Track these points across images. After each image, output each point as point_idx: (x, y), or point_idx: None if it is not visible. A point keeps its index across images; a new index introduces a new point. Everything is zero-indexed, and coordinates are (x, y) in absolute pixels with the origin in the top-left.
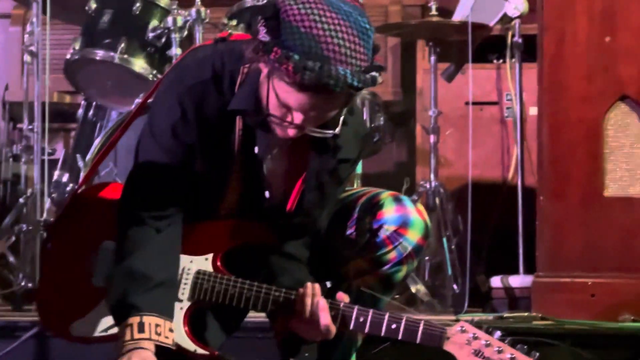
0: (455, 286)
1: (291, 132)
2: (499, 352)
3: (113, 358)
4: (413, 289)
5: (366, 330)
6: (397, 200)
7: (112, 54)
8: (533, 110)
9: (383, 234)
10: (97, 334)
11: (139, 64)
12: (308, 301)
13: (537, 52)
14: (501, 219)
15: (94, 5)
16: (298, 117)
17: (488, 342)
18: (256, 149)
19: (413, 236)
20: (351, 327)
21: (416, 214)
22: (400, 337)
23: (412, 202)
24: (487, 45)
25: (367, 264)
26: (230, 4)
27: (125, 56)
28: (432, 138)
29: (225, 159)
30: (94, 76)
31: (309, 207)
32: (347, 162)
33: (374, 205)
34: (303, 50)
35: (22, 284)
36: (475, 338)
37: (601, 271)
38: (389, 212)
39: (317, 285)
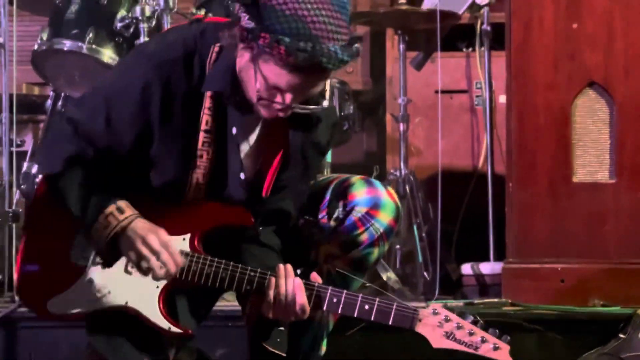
0: (425, 274)
1: (281, 112)
2: (470, 334)
3: (80, 343)
4: (384, 277)
5: (339, 310)
6: (368, 182)
7: (80, 44)
8: (503, 99)
9: (354, 215)
10: (73, 311)
11: (108, 54)
12: (282, 282)
13: (505, 39)
14: (471, 206)
15: None
16: (288, 97)
17: (460, 325)
18: (234, 130)
19: (384, 218)
20: (325, 307)
21: (387, 196)
22: (372, 318)
23: (383, 185)
24: (456, 33)
25: (339, 247)
26: None
27: (94, 46)
28: (401, 126)
29: (189, 139)
30: (62, 67)
31: (290, 185)
32: (325, 146)
33: (345, 188)
34: (292, 33)
35: None
36: (447, 320)
37: (570, 257)
38: (360, 194)
39: (289, 266)
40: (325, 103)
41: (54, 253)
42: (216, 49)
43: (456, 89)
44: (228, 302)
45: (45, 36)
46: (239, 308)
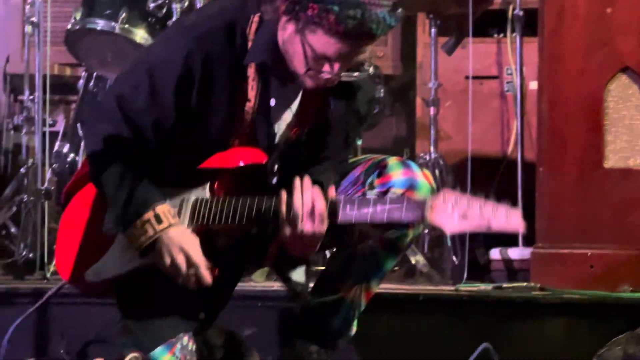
0: (454, 258)
1: (329, 81)
2: (481, 208)
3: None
4: (412, 260)
5: (353, 219)
6: (404, 164)
7: (113, 24)
8: (533, 85)
9: (390, 196)
10: (108, 275)
11: (140, 34)
12: (298, 194)
13: (537, 25)
14: (500, 192)
15: None
16: (337, 66)
17: (470, 203)
18: (272, 102)
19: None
20: (340, 217)
21: (423, 178)
22: (385, 218)
23: (418, 166)
24: (488, 19)
25: (373, 228)
26: None
27: (126, 26)
28: (432, 110)
29: (232, 108)
30: (95, 47)
31: (332, 155)
32: (358, 114)
33: (381, 169)
34: (340, 1)
35: (23, 253)
36: (457, 202)
37: (600, 242)
38: (396, 175)
39: (307, 177)
40: (371, 70)
41: (88, 225)
42: (256, 19)
43: (486, 75)
44: (257, 284)
45: (78, 16)
46: (267, 288)
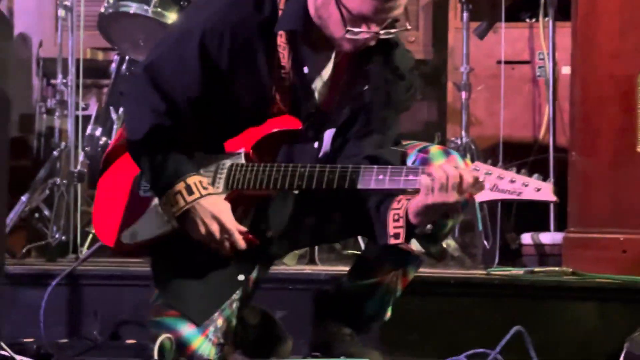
0: (485, 242)
1: (368, 41)
2: (512, 182)
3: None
4: (444, 244)
5: (386, 185)
6: (447, 153)
7: (145, 7)
8: (565, 70)
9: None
10: (144, 237)
11: (172, 17)
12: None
13: (570, 8)
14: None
15: None
16: (374, 26)
17: (501, 175)
18: (305, 69)
19: None
20: (372, 185)
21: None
22: (417, 184)
23: (460, 156)
24: (520, 3)
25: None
26: None
27: (159, 9)
28: (463, 95)
29: (264, 75)
30: (127, 30)
31: (376, 110)
32: (403, 80)
33: (424, 157)
34: None
35: (56, 236)
36: (489, 174)
37: (633, 227)
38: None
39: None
40: (408, 25)
41: (124, 188)
42: None
43: (518, 60)
44: (288, 267)
45: None
46: (299, 271)
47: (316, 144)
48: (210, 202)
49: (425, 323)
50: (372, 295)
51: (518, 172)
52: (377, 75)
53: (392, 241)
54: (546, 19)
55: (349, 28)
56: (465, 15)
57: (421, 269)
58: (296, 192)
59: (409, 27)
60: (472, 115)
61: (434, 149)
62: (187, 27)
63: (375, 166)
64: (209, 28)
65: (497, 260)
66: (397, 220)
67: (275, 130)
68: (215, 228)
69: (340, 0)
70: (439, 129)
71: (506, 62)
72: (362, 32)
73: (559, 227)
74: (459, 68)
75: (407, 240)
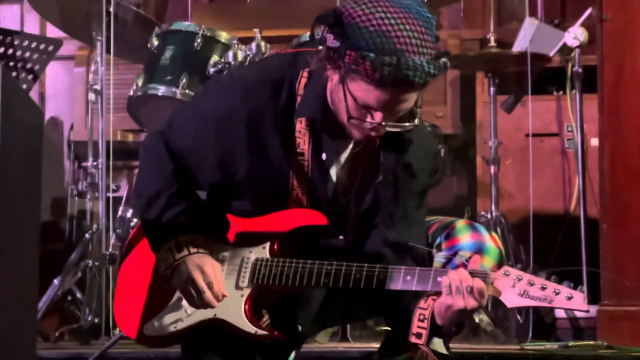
0: (518, 316)
1: (373, 131)
2: (543, 289)
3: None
4: (476, 319)
5: (413, 287)
6: (472, 227)
7: (174, 89)
8: (594, 141)
9: (458, 260)
10: (168, 330)
11: None
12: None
13: (597, 81)
14: (563, 249)
15: (155, 42)
16: (378, 115)
17: (532, 282)
18: (324, 156)
19: (488, 263)
20: (400, 285)
21: (491, 241)
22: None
23: (487, 229)
24: (547, 76)
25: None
26: (288, 40)
27: (187, 91)
28: (492, 169)
29: (281, 160)
30: (157, 112)
31: (385, 205)
32: (422, 171)
33: (449, 232)
34: (377, 48)
35: (89, 318)
36: (519, 279)
37: None
38: (464, 239)
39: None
40: (417, 121)
41: (146, 277)
42: (305, 73)
43: (547, 132)
44: (319, 345)
45: (140, 82)
46: (332, 349)
47: (341, 238)
48: (198, 257)
49: None
50: None
51: (549, 278)
52: (388, 169)
53: (414, 340)
54: (573, 91)
55: (352, 115)
56: (492, 89)
57: (454, 345)
58: None
59: (416, 124)
60: (502, 189)
61: (460, 224)
62: (206, 106)
63: (403, 267)
64: (226, 111)
65: (530, 334)
66: (422, 321)
67: (302, 225)
68: (198, 276)
69: (347, 86)
70: (469, 203)
71: (534, 135)
72: (366, 122)
73: (593, 300)
74: (487, 142)
75: (430, 339)
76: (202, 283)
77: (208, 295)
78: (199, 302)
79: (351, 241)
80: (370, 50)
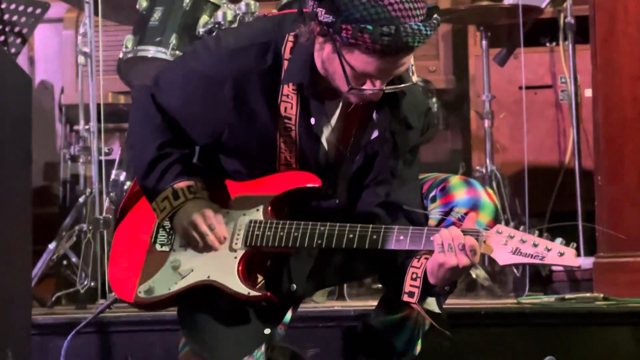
0: (515, 270)
1: (372, 96)
2: (535, 245)
3: (174, 346)
4: (473, 274)
5: (407, 246)
6: (467, 183)
7: (163, 50)
8: (588, 92)
9: (454, 216)
10: (162, 293)
11: None
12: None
13: (589, 32)
14: (559, 202)
15: (144, 4)
16: (378, 82)
17: (523, 239)
18: (312, 120)
19: (484, 219)
20: (392, 246)
21: (486, 197)
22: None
23: (482, 185)
24: (539, 28)
25: None
26: None
27: (177, 52)
28: (486, 123)
29: (268, 123)
30: (147, 73)
31: (383, 161)
32: (413, 128)
33: (444, 187)
34: (372, 19)
35: (85, 283)
36: (511, 237)
37: None
38: (459, 195)
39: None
40: (415, 78)
41: (141, 240)
42: (291, 38)
43: (540, 85)
44: (318, 304)
45: (129, 44)
46: (329, 308)
47: (335, 199)
48: (196, 204)
49: (457, 355)
50: (401, 330)
51: (541, 235)
52: (384, 125)
53: (406, 298)
54: (566, 42)
55: (352, 85)
56: (484, 42)
57: (451, 300)
58: None
59: (414, 82)
60: (496, 142)
61: (454, 180)
62: (193, 66)
63: (396, 227)
64: (212, 72)
65: (527, 288)
66: (415, 280)
67: (295, 187)
68: (199, 220)
69: (344, 57)
70: (463, 158)
71: (528, 88)
72: (367, 90)
73: (589, 252)
74: (480, 96)
75: (423, 299)
76: (204, 226)
77: (211, 237)
78: (203, 245)
79: (345, 202)
80: (367, 22)
